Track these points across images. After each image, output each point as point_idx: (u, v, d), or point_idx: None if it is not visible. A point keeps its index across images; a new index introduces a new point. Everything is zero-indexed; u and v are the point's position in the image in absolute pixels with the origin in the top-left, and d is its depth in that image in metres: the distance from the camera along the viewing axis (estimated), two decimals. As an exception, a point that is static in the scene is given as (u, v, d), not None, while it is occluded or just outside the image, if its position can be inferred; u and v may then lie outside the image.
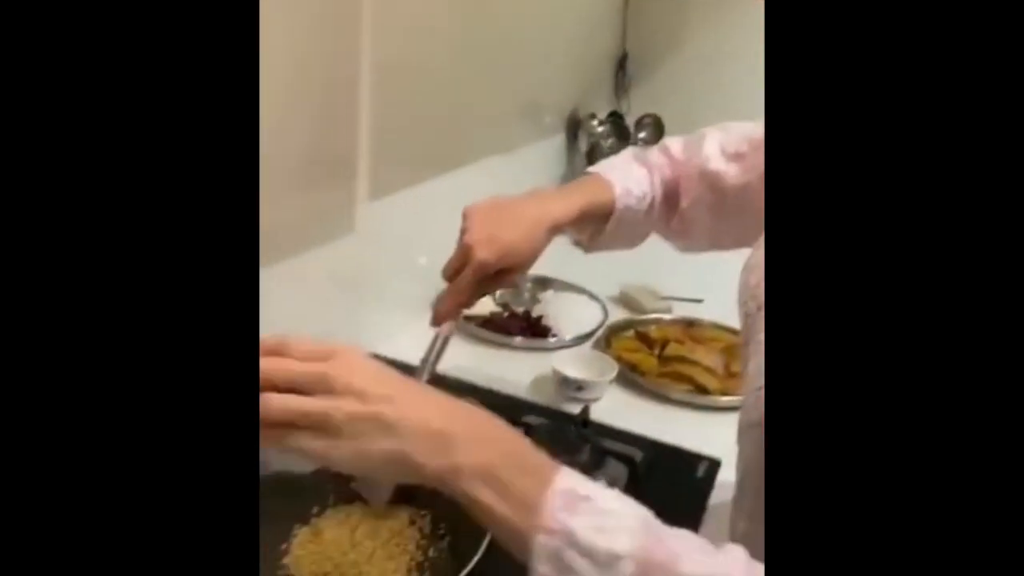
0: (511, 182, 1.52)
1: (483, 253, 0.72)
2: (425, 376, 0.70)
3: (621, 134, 1.67)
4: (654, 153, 0.87)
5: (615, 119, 1.71)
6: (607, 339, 1.17)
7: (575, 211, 0.78)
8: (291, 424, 0.40)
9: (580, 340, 1.17)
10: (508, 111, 1.44)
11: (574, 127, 1.69)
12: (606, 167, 0.84)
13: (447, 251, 1.34)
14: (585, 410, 0.95)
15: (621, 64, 1.84)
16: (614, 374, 1.03)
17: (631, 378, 1.07)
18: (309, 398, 0.40)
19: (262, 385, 0.40)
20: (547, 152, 1.65)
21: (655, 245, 0.92)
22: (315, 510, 0.68)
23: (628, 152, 0.88)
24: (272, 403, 0.40)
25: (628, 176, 0.82)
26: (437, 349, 0.72)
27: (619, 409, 1.00)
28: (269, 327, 0.87)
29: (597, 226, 0.82)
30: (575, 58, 1.66)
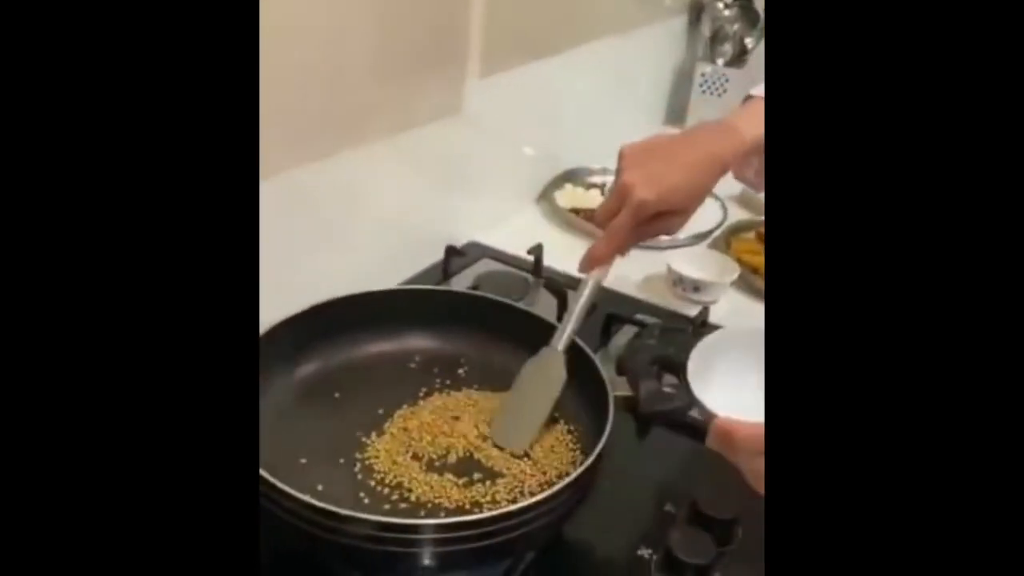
0: (626, 66, 1.42)
1: (642, 192, 0.64)
2: (572, 326, 0.64)
3: (750, 19, 1.51)
4: None
5: (744, 1, 1.55)
6: (727, 240, 1.08)
7: (744, 146, 0.68)
8: None
9: (697, 239, 1.09)
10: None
11: (697, 9, 1.54)
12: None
13: (554, 140, 1.29)
14: (704, 311, 0.88)
15: (753, -61, 1.65)
16: (735, 276, 0.96)
17: (751, 281, 0.99)
18: None
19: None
20: (667, 35, 1.52)
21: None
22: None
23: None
24: None
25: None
26: (588, 296, 0.66)
27: (739, 313, 0.93)
28: (368, 203, 0.87)
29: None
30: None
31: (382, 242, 0.91)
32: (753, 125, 0.69)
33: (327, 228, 0.82)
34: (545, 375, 0.63)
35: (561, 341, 0.63)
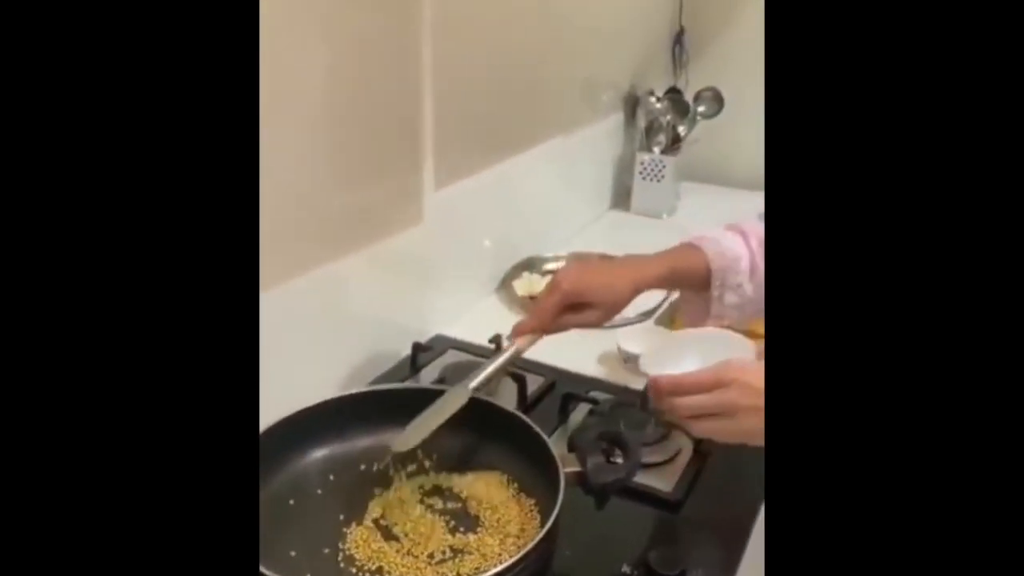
0: (571, 163, 1.55)
1: (567, 283, 0.78)
2: (485, 373, 0.75)
3: (680, 109, 1.66)
4: (752, 220, 0.89)
5: (674, 95, 1.70)
6: (671, 316, 1.18)
7: (663, 269, 0.83)
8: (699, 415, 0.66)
9: (644, 316, 1.19)
10: (567, 92, 1.46)
11: (632, 104, 1.69)
12: (696, 236, 0.87)
13: (509, 233, 1.40)
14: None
15: (678, 39, 1.82)
16: (678, 350, 1.05)
17: (695, 353, 1.08)
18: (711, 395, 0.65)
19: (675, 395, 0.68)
20: (606, 131, 1.66)
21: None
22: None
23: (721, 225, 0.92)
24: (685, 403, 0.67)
25: (720, 240, 0.85)
26: (507, 357, 0.78)
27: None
28: (344, 310, 0.96)
29: (697, 291, 0.86)
30: (631, 35, 1.66)
31: (354, 345, 0.99)
32: (675, 257, 0.84)
33: (306, 336, 0.91)
34: (448, 399, 0.73)
35: (473, 382, 0.75)
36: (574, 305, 0.78)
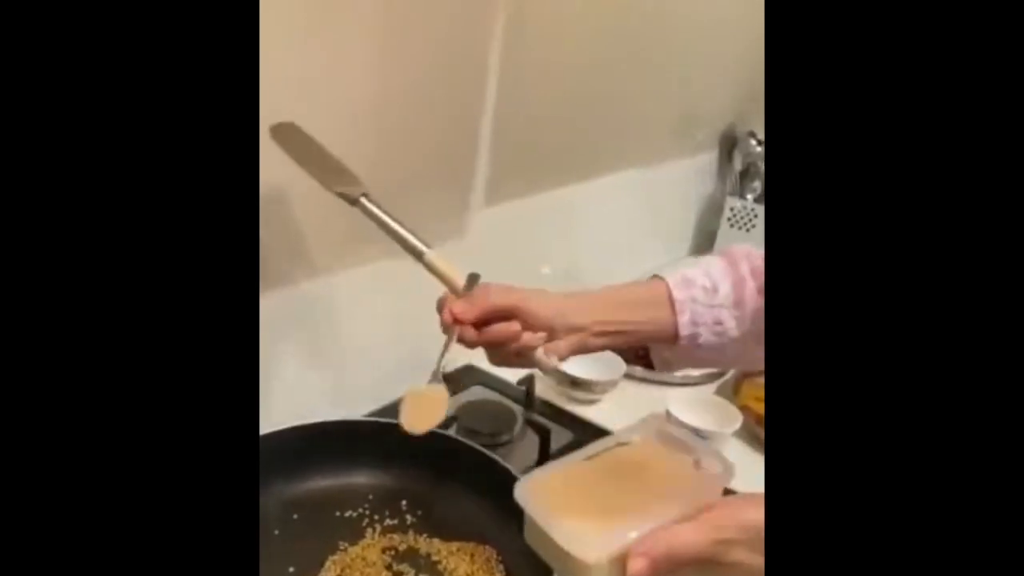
0: (652, 198, 1.42)
1: (495, 287, 0.61)
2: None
3: (783, 156, 1.50)
4: (746, 246, 0.69)
5: (778, 139, 1.55)
6: (737, 383, 1.03)
7: (611, 298, 0.64)
8: None
9: (706, 379, 1.04)
10: (656, 121, 1.33)
11: (730, 145, 1.55)
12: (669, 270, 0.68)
13: (574, 263, 1.28)
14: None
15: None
16: (736, 426, 0.90)
17: (756, 433, 0.92)
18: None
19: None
20: (696, 169, 1.52)
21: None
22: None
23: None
24: None
25: (694, 266, 0.66)
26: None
27: (738, 469, 0.86)
28: (360, 324, 0.86)
29: (659, 332, 0.65)
30: (737, 70, 1.51)
31: (371, 364, 0.89)
32: (630, 288, 0.67)
33: (318, 346, 0.82)
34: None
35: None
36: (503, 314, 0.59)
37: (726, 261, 0.65)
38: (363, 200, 0.60)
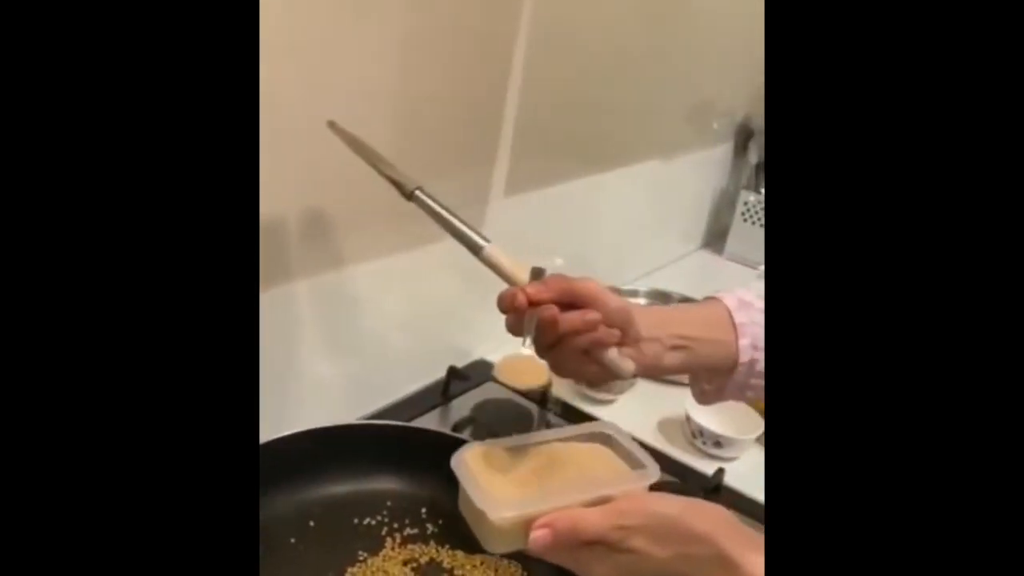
0: (666, 190, 1.38)
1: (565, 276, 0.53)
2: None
3: (799, 150, 1.47)
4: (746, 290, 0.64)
5: (794, 133, 1.51)
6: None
7: (676, 314, 0.60)
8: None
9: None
10: (672, 112, 1.29)
11: (745, 137, 1.51)
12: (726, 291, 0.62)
13: (585, 254, 1.24)
14: (719, 473, 0.80)
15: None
16: (759, 432, 0.87)
17: (779, 439, 0.90)
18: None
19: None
20: (711, 161, 1.49)
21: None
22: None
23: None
24: None
25: (745, 288, 0.61)
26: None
27: (759, 477, 0.84)
28: (374, 316, 0.83)
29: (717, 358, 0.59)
30: (752, 61, 1.47)
31: (383, 357, 0.86)
32: (699, 308, 0.60)
33: (332, 338, 0.78)
34: None
35: None
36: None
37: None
38: (418, 193, 0.55)
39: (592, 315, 0.51)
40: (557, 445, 0.53)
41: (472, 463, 0.50)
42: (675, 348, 0.56)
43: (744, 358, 0.57)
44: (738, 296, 0.60)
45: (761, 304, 0.59)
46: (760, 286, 0.62)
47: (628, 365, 0.54)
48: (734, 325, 0.58)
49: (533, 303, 0.50)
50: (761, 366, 0.58)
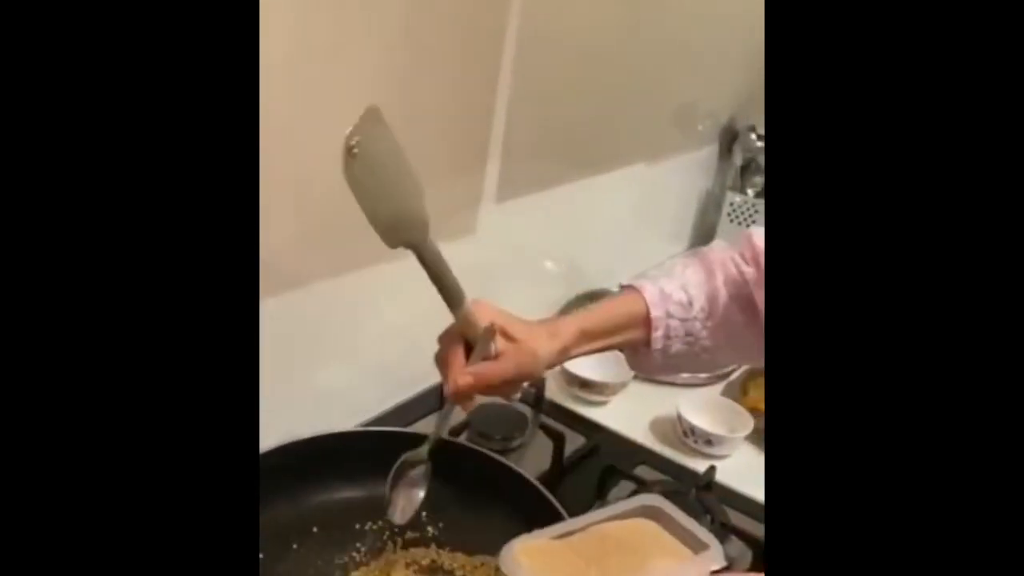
0: (653, 193, 1.40)
1: (492, 315, 0.61)
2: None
3: (783, 151, 1.50)
4: (724, 247, 0.68)
5: (777, 134, 1.53)
6: (744, 384, 1.02)
7: (593, 319, 0.63)
8: None
9: (714, 379, 1.04)
10: (657, 116, 1.31)
11: (730, 139, 1.54)
12: (637, 278, 0.66)
13: (575, 258, 1.26)
14: (711, 471, 0.82)
15: (791, 73, 1.65)
16: (748, 431, 0.89)
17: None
18: None
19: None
20: (696, 163, 1.51)
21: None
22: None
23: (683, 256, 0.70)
24: None
25: (671, 276, 0.65)
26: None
27: (751, 471, 0.86)
28: (372, 321, 0.84)
29: (633, 343, 0.65)
30: (738, 64, 1.49)
31: (382, 363, 0.87)
32: (614, 304, 0.65)
33: (331, 346, 0.79)
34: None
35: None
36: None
37: (704, 272, 0.65)
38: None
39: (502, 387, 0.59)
40: (607, 527, 0.51)
41: (524, 560, 0.48)
42: (589, 351, 0.63)
43: (657, 345, 0.63)
44: (660, 287, 0.64)
45: (680, 296, 0.64)
46: (686, 270, 0.66)
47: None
48: (649, 320, 0.63)
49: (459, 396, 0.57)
50: (674, 349, 0.64)
